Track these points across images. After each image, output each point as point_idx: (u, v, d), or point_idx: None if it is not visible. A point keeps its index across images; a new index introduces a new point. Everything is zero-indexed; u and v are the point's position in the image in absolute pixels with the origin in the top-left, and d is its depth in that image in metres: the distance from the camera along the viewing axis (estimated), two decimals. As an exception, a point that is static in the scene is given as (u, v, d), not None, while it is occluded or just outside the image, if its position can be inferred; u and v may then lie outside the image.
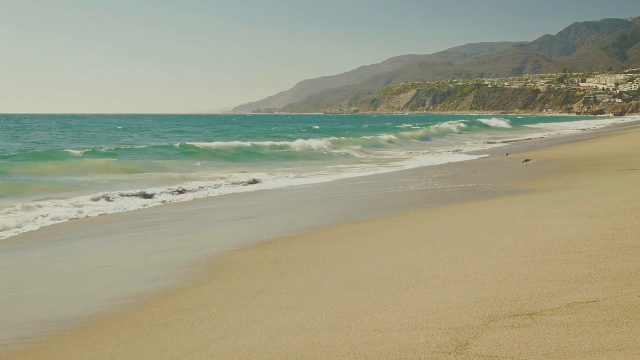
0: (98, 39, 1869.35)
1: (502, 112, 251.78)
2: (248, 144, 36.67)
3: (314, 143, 38.17)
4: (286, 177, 21.37)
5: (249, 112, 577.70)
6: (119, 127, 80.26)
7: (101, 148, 33.83)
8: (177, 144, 36.07)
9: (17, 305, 6.43)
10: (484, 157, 27.56)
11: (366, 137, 46.67)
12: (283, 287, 6.12)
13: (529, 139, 47.55)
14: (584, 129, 64.01)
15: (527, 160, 21.18)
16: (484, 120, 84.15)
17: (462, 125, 69.08)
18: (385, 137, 47.00)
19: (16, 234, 11.10)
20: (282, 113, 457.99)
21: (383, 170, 23.74)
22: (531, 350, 3.53)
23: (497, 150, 32.00)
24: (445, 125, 66.50)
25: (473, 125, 74.04)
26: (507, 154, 29.13)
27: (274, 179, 20.57)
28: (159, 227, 11.32)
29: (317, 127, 76.51)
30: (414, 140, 48.97)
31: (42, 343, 5.07)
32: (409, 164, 26.26)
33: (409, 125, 75.14)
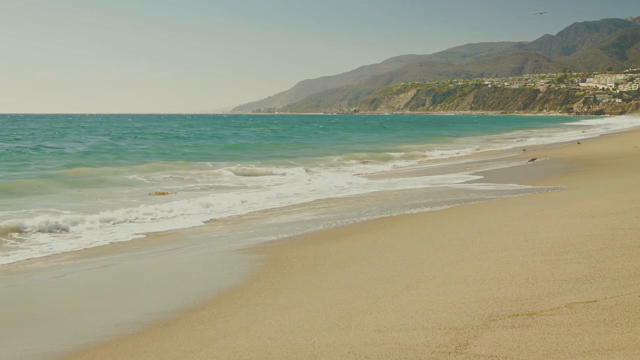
0: (97, 38, 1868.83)
1: (502, 112, 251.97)
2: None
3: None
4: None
5: (249, 112, 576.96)
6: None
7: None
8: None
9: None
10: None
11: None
12: (283, 287, 6.12)
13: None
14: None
15: (533, 160, 21.37)
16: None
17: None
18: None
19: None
20: (282, 113, 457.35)
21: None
22: (531, 350, 3.53)
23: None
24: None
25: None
26: (524, 150, 29.97)
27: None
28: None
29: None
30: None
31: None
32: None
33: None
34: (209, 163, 27.67)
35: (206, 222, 11.80)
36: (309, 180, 18.54)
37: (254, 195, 15.36)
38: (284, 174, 22.49)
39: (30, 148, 35.99)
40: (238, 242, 9.16)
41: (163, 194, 16.64)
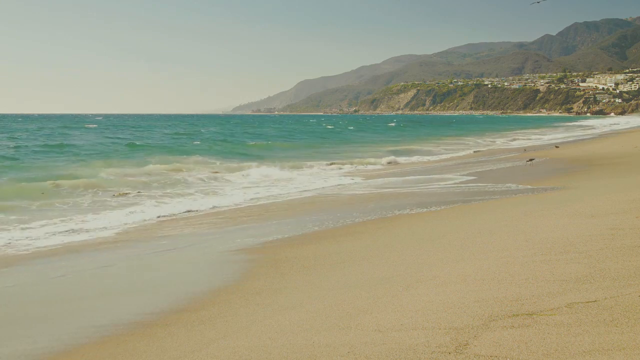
0: (97, 38, 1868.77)
1: (502, 113, 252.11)
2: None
3: None
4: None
5: (248, 112, 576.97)
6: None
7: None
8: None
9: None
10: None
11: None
12: (283, 287, 6.12)
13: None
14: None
15: (531, 160, 21.31)
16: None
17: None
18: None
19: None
20: (282, 113, 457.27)
21: None
22: (531, 350, 3.53)
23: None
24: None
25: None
26: (525, 149, 30.19)
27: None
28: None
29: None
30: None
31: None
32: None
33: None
34: (197, 156, 28.29)
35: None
36: (289, 178, 18.26)
37: (199, 202, 14.60)
38: (267, 175, 22.05)
39: (37, 147, 36.10)
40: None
41: (126, 194, 16.53)
